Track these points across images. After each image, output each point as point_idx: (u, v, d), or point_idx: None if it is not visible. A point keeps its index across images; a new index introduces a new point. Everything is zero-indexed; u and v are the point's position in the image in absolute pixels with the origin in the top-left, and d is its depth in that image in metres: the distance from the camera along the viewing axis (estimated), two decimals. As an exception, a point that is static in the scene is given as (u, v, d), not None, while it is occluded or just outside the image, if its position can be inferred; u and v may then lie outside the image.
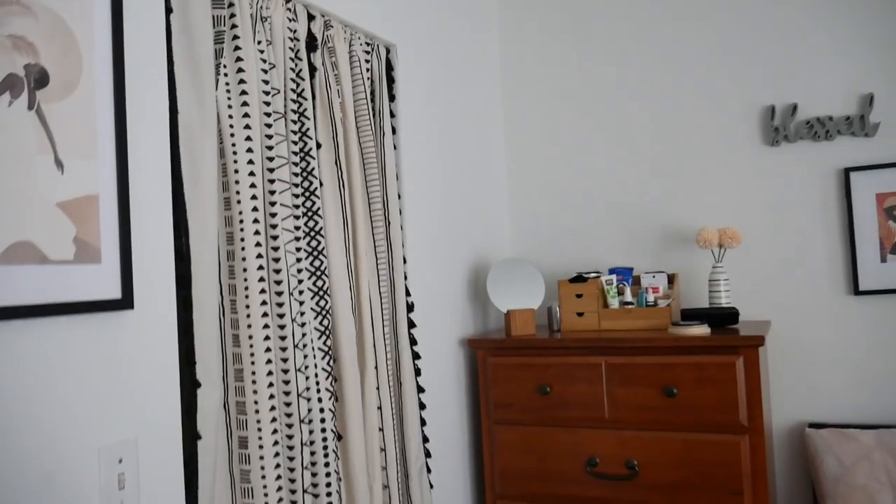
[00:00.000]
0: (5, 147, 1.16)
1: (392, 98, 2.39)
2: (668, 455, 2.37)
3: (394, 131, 2.39)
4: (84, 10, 1.31)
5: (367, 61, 2.24)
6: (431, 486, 2.37)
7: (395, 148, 2.39)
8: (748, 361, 2.29)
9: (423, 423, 2.34)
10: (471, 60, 3.01)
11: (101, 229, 1.32)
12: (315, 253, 1.92)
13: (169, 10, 1.55)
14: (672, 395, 2.35)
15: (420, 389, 2.34)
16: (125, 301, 1.35)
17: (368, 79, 2.24)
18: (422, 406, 2.35)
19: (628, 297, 2.69)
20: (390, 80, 2.39)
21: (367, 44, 2.26)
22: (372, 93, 2.27)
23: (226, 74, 1.67)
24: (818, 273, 2.73)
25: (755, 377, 2.28)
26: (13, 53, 1.18)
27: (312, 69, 1.99)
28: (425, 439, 2.35)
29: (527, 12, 3.24)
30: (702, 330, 2.40)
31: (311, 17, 2.00)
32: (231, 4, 1.68)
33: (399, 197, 2.39)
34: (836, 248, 2.71)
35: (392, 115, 2.39)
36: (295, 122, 1.88)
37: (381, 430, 2.13)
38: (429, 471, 2.34)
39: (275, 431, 1.67)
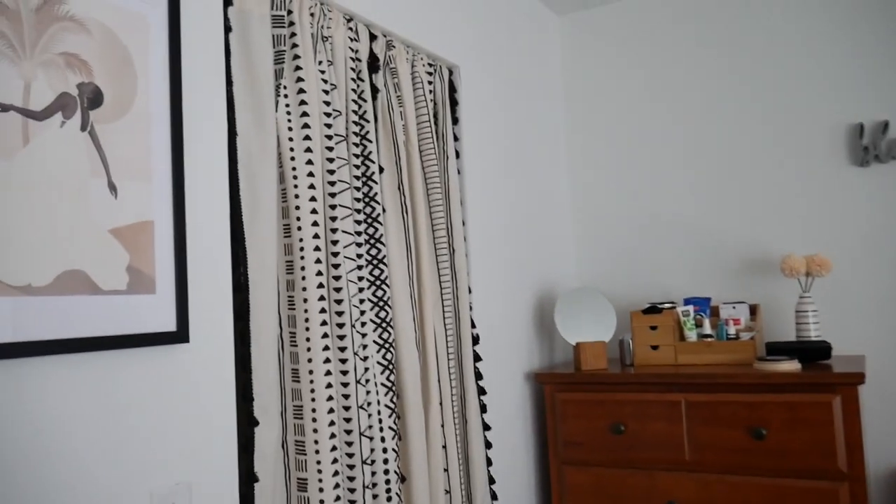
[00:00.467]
0: (57, 170, 1.09)
1: (455, 121, 2.30)
2: (757, 502, 2.17)
3: (457, 155, 2.29)
4: (139, 26, 1.24)
5: (429, 83, 2.16)
6: (498, 531, 2.22)
7: (458, 172, 2.29)
8: (847, 400, 2.09)
9: (489, 462, 2.21)
10: (534, 83, 2.90)
11: (156, 258, 1.24)
12: (378, 282, 1.82)
13: (228, 29, 1.48)
14: (761, 436, 2.16)
15: (486, 427, 2.21)
16: (180, 334, 1.27)
17: (431, 101, 2.15)
18: (488, 445, 2.21)
19: (707, 329, 2.51)
20: (453, 103, 2.30)
21: (430, 65, 2.18)
22: (435, 115, 2.18)
23: (286, 95, 1.59)
24: (917, 303, 2.51)
25: (855, 418, 2.07)
26: (66, 72, 1.12)
27: (374, 90, 1.91)
28: (492, 480, 2.21)
29: (590, 33, 3.13)
30: (792, 366, 2.21)
31: (372, 37, 1.93)
32: (292, 24, 1.61)
33: (463, 224, 2.28)
34: (936, 276, 2.49)
35: (455, 138, 2.29)
36: (357, 146, 1.79)
37: (447, 470, 2.01)
38: (496, 514, 2.20)
39: (336, 473, 1.56)
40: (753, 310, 2.59)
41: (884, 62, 2.59)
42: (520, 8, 2.81)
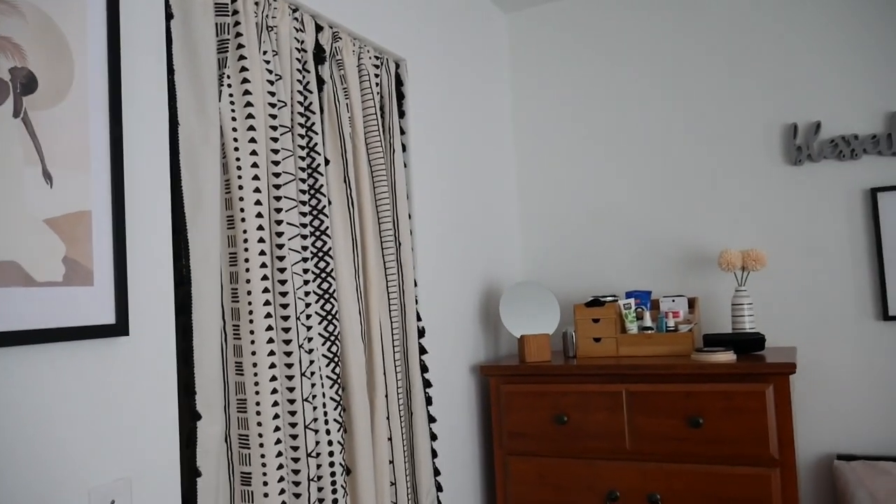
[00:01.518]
0: (-12, 157, 1.06)
1: (402, 114, 2.30)
2: (694, 489, 2.24)
3: (403, 149, 2.29)
4: (77, 11, 1.21)
5: (376, 75, 2.15)
6: (443, 523, 2.24)
7: (405, 166, 2.29)
8: (779, 390, 2.17)
9: (434, 454, 2.22)
10: (481, 78, 2.92)
11: (94, 249, 1.21)
12: (323, 275, 1.81)
13: (169, 16, 1.45)
14: (698, 425, 2.22)
15: (431, 419, 2.22)
16: (119, 327, 1.24)
17: (378, 93, 2.14)
18: (433, 437, 2.23)
19: (648, 321, 2.57)
20: (400, 96, 2.30)
21: (377, 57, 2.17)
22: (381, 108, 2.17)
23: (230, 85, 1.57)
24: (845, 297, 2.62)
25: (786, 407, 2.16)
26: (-1, 56, 1.08)
27: (320, 82, 1.89)
28: (437, 472, 2.23)
29: (538, 29, 3.16)
30: (728, 357, 2.28)
31: (318, 28, 1.91)
32: (236, 12, 1.58)
33: (410, 217, 2.29)
34: (863, 271, 2.60)
35: (402, 131, 2.29)
36: (302, 137, 1.78)
37: (392, 462, 2.01)
38: (441, 506, 2.22)
39: (280, 466, 1.55)
40: (692, 303, 2.67)
41: (817, 66, 2.69)
42: (468, 4, 2.82)
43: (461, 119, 2.70)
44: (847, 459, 2.54)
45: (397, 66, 2.31)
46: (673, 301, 2.63)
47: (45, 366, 1.13)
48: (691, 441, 2.25)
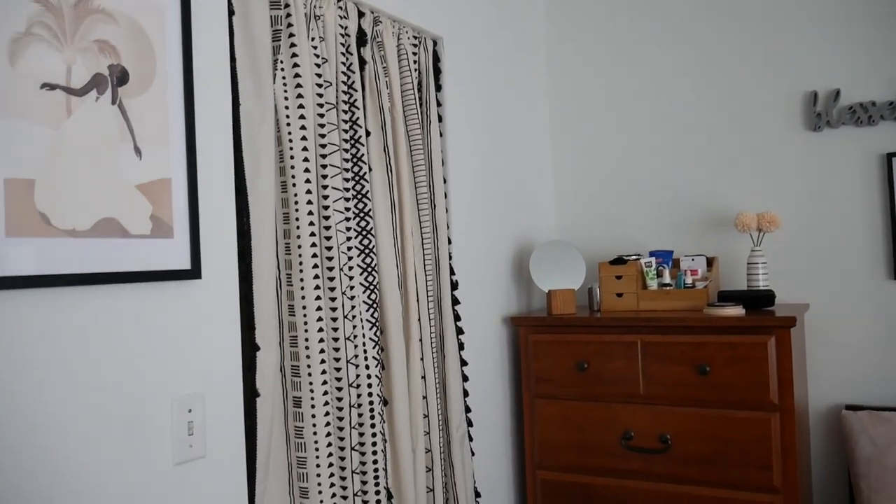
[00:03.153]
0: (94, 137, 1.35)
1: (438, 88, 2.54)
2: (700, 430, 2.46)
3: (440, 119, 2.54)
4: (157, 15, 1.49)
5: (414, 53, 2.39)
6: (473, 454, 2.52)
7: (441, 135, 2.53)
8: (780, 342, 2.36)
9: (465, 394, 2.50)
10: (516, 47, 3.12)
11: (173, 208, 1.51)
12: (364, 232, 2.09)
13: (231, 13, 1.72)
14: (705, 372, 2.44)
15: (463, 362, 2.49)
16: (194, 271, 1.54)
17: (416, 70, 2.38)
18: (464, 378, 2.50)
19: (667, 279, 2.78)
20: (437, 71, 2.54)
21: (415, 37, 2.41)
22: (419, 83, 2.42)
23: (282, 69, 1.84)
24: (858, 258, 2.77)
25: (787, 357, 2.35)
26: (99, 56, 1.37)
27: (362, 62, 2.15)
28: (467, 409, 2.51)
29: (573, 3, 3.33)
30: (736, 311, 2.48)
31: (360, 14, 2.16)
32: (287, 5, 1.84)
33: (444, 181, 2.54)
34: (876, 233, 2.74)
35: (438, 103, 2.53)
36: (346, 112, 2.04)
37: (425, 397, 2.30)
38: (471, 439, 2.50)
39: (325, 393, 1.85)
40: (711, 262, 2.86)
41: (838, 34, 2.80)
42: (504, -20, 3.02)
43: (497, 89, 2.92)
44: (854, 409, 2.72)
45: (434, 43, 2.54)
46: (692, 260, 2.83)
47: (136, 300, 1.44)
48: (699, 387, 2.46)
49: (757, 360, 2.38)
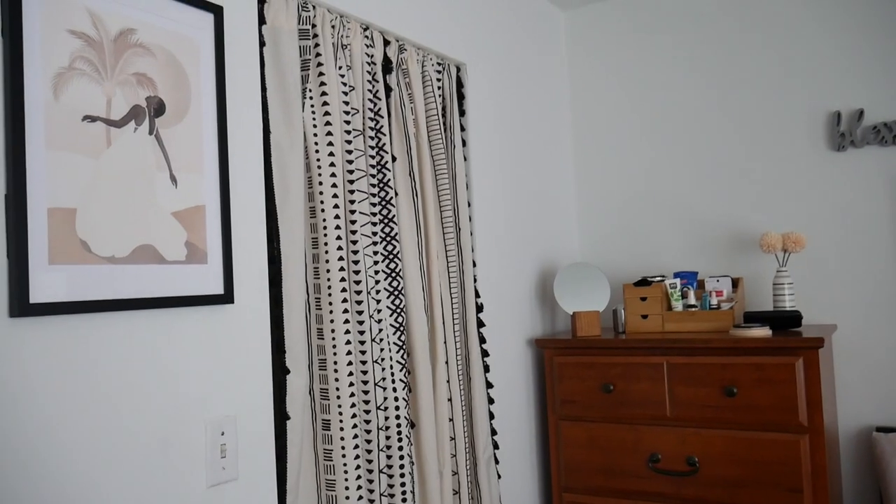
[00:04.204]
0: (132, 166, 1.40)
1: (462, 113, 2.57)
2: (728, 452, 2.45)
3: (464, 143, 2.57)
4: (192, 47, 1.54)
5: (438, 80, 2.43)
6: (499, 476, 2.52)
7: (465, 159, 2.57)
8: (808, 363, 2.35)
9: (491, 416, 2.50)
10: (539, 70, 3.16)
11: (207, 234, 1.54)
12: (390, 256, 2.11)
13: (262, 44, 1.77)
14: (732, 394, 2.43)
15: (489, 385, 2.50)
16: (227, 296, 1.58)
17: (440, 96, 2.42)
18: (490, 401, 2.51)
19: (692, 300, 2.78)
20: (460, 97, 2.58)
21: (439, 63, 2.45)
22: (443, 108, 2.45)
23: (311, 98, 1.88)
24: (885, 277, 2.75)
25: (815, 378, 2.33)
26: (137, 88, 1.42)
27: (388, 89, 2.19)
28: (493, 432, 2.51)
29: (595, 24, 3.37)
30: (762, 332, 2.47)
31: (386, 42, 2.20)
32: (315, 35, 1.89)
33: (469, 204, 2.57)
34: (904, 252, 2.72)
35: (462, 128, 2.57)
36: (372, 138, 2.08)
37: (451, 420, 2.31)
38: (496, 461, 2.50)
39: (353, 416, 1.87)
40: (736, 283, 2.85)
41: (861, 54, 2.81)
42: (525, 5, 3.06)
43: (520, 113, 2.96)
44: (885, 431, 2.68)
45: (458, 69, 2.58)
46: (717, 281, 2.82)
47: (171, 325, 1.48)
48: (726, 409, 2.45)
49: (785, 381, 2.36)
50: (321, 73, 1.89)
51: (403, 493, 2.02)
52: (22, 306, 1.21)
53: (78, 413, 1.30)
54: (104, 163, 1.35)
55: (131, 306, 1.38)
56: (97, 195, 1.34)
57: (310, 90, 1.89)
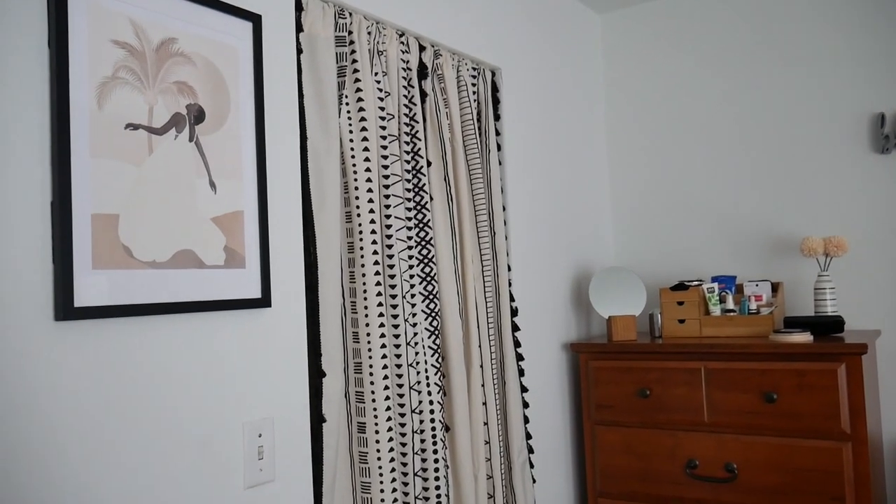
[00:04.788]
0: (173, 172, 1.43)
1: (497, 117, 2.58)
2: (768, 459, 2.41)
3: (499, 148, 2.57)
4: (231, 56, 1.57)
5: (473, 84, 2.44)
6: (534, 481, 2.52)
7: (500, 163, 2.57)
8: (851, 369, 2.30)
9: (526, 420, 2.50)
10: (573, 74, 3.15)
11: (245, 239, 1.57)
12: (425, 260, 2.12)
13: (299, 52, 1.80)
14: (772, 400, 2.39)
15: (523, 389, 2.50)
16: (264, 300, 1.60)
17: (475, 100, 2.43)
18: (525, 404, 2.51)
19: (730, 304, 2.74)
20: (496, 101, 2.58)
21: (474, 68, 2.46)
22: (478, 113, 2.46)
23: (347, 104, 1.90)
24: (932, 282, 2.68)
25: (858, 385, 2.29)
26: (178, 96, 1.45)
27: (423, 94, 2.20)
28: (528, 436, 2.51)
29: (630, 28, 3.35)
30: (803, 337, 2.42)
31: (422, 48, 2.22)
32: (352, 42, 1.91)
33: (504, 208, 2.57)
34: (951, 256, 2.65)
35: (497, 132, 2.57)
36: (408, 143, 2.10)
37: (486, 424, 2.31)
38: (531, 466, 2.49)
39: (389, 419, 1.88)
40: (776, 287, 2.80)
41: (905, 54, 2.75)
42: (560, 9, 3.06)
43: (555, 117, 2.95)
44: (932, 440, 2.62)
45: (493, 74, 2.58)
46: (756, 286, 2.78)
47: (210, 328, 1.50)
48: (766, 415, 2.41)
49: (826, 387, 2.32)
50: (357, 80, 1.91)
51: (438, 496, 2.03)
52: (67, 310, 1.24)
53: (120, 414, 1.33)
54: (146, 170, 1.38)
55: (172, 310, 1.41)
56: (139, 201, 1.37)
57: (346, 96, 1.91)
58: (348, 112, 1.90)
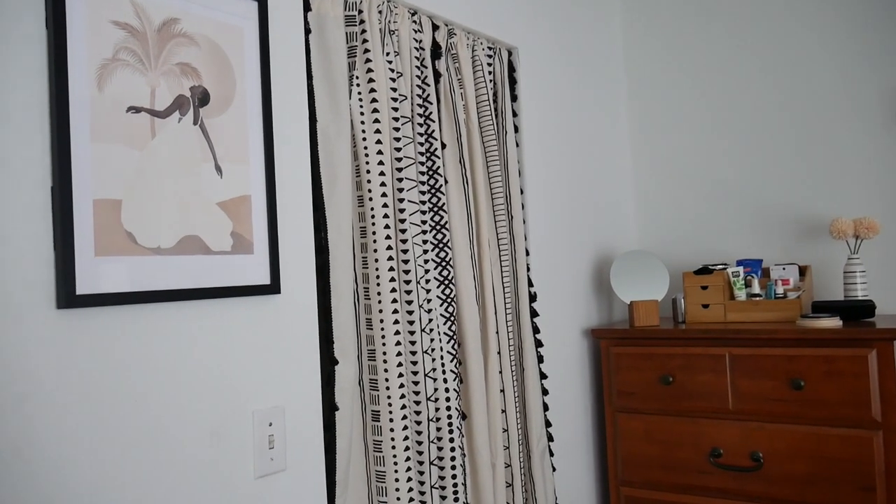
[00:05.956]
0: (177, 156, 1.39)
1: (514, 98, 2.51)
2: (795, 448, 2.34)
3: (516, 129, 2.51)
4: (236, 36, 1.53)
5: (489, 64, 2.37)
6: (554, 469, 2.47)
7: (517, 145, 2.51)
8: (882, 355, 2.22)
9: (545, 407, 2.45)
10: (594, 55, 3.07)
11: (253, 225, 1.53)
12: (440, 245, 2.08)
13: (308, 31, 1.75)
14: (799, 387, 2.32)
15: (543, 376, 2.45)
16: (273, 287, 1.56)
17: (491, 81, 2.37)
18: (544, 392, 2.46)
19: (756, 289, 2.66)
20: (512, 81, 2.51)
21: (490, 48, 2.40)
22: (494, 94, 2.40)
23: (358, 85, 1.85)
24: (968, 264, 2.58)
25: (890, 372, 2.21)
26: (181, 78, 1.41)
27: (437, 75, 2.15)
28: (548, 423, 2.46)
29: (651, 3, 3.25)
30: (832, 322, 2.35)
31: (435, 27, 2.16)
32: (362, 21, 1.86)
33: (522, 192, 2.51)
34: None
35: (514, 114, 2.51)
36: (421, 125, 2.04)
37: (504, 411, 2.26)
38: (551, 454, 2.45)
39: (403, 407, 1.84)
40: (803, 271, 2.72)
41: (940, 27, 2.63)
42: (580, -14, 2.98)
43: (574, 97, 2.88)
44: (967, 428, 2.53)
45: (510, 53, 2.52)
46: (783, 269, 2.70)
47: (217, 316, 1.47)
48: (793, 402, 2.34)
49: (856, 374, 2.24)
50: (368, 60, 1.86)
51: (455, 485, 1.99)
52: (69, 298, 1.21)
53: (126, 403, 1.30)
54: (149, 154, 1.35)
55: (178, 297, 1.38)
56: (142, 186, 1.34)
57: (357, 77, 1.86)
58: (359, 93, 1.86)
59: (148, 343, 1.34)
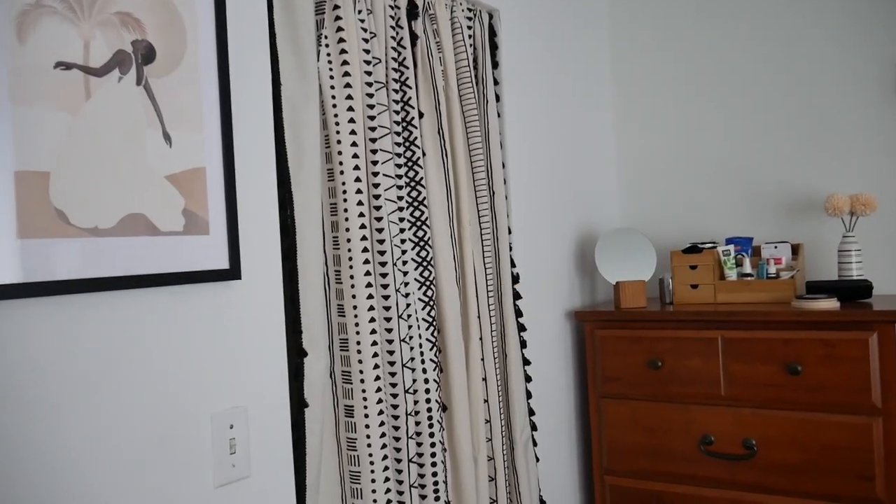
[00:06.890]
0: (117, 122, 1.20)
1: (495, 65, 2.34)
2: (790, 435, 2.23)
3: (497, 99, 2.34)
4: (188, -15, 1.33)
5: (469, 27, 2.19)
6: (538, 460, 2.34)
7: (498, 116, 2.33)
8: (883, 338, 2.11)
9: (528, 395, 2.31)
10: (577, 20, 2.90)
11: (209, 201, 1.35)
12: (418, 223, 1.91)
13: (270, -17, 1.55)
14: (796, 372, 2.20)
15: (526, 362, 2.30)
16: (233, 272, 1.38)
17: (471, 45, 2.19)
18: (527, 378, 2.31)
19: (747, 268, 2.54)
20: (493, 47, 2.33)
21: (470, 10, 2.21)
22: (475, 60, 2.22)
23: (327, 45, 1.66)
24: (966, 242, 2.48)
25: (891, 356, 2.10)
26: (121, 30, 1.21)
27: (414, 37, 1.96)
28: (531, 412, 2.32)
29: (638, -30, 3.08)
30: (830, 304, 2.23)
31: (411, -16, 1.97)
32: (331, -26, 1.67)
33: (503, 166, 2.34)
34: None
35: (496, 82, 2.33)
36: (397, 92, 1.86)
37: (486, 401, 2.12)
38: (535, 444, 2.31)
39: (380, 401, 1.68)
40: (796, 249, 2.60)
41: (941, -7, 2.51)
42: (563, -53, 2.79)
43: (557, 67, 2.71)
44: (962, 411, 2.44)
45: (490, 16, 2.33)
46: (775, 248, 2.58)
47: (167, 305, 1.29)
48: (789, 388, 2.23)
49: (856, 358, 2.13)
50: (338, 17, 1.67)
51: (435, 483, 1.84)
52: (-15, 288, 1.02)
53: (62, 410, 1.12)
54: (83, 118, 1.15)
55: (120, 285, 1.19)
56: (75, 156, 1.14)
57: (325, 37, 1.67)
58: (328, 55, 1.66)
59: (85, 339, 1.16)
